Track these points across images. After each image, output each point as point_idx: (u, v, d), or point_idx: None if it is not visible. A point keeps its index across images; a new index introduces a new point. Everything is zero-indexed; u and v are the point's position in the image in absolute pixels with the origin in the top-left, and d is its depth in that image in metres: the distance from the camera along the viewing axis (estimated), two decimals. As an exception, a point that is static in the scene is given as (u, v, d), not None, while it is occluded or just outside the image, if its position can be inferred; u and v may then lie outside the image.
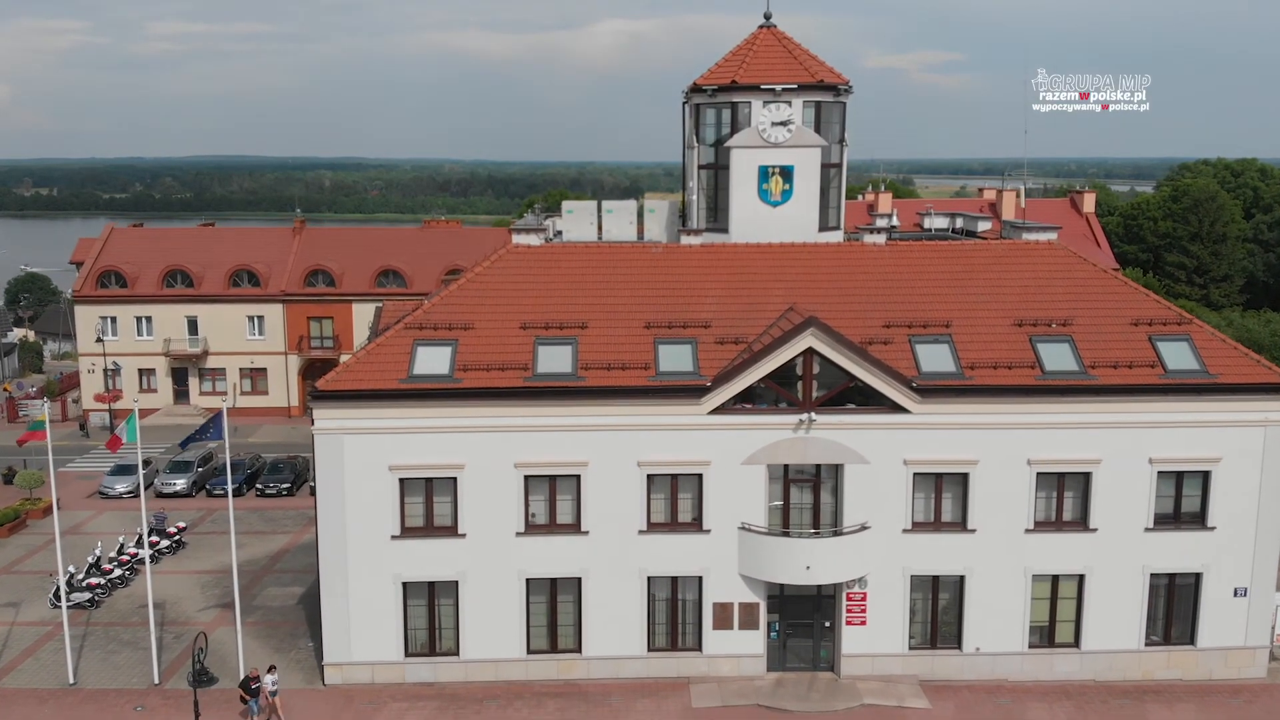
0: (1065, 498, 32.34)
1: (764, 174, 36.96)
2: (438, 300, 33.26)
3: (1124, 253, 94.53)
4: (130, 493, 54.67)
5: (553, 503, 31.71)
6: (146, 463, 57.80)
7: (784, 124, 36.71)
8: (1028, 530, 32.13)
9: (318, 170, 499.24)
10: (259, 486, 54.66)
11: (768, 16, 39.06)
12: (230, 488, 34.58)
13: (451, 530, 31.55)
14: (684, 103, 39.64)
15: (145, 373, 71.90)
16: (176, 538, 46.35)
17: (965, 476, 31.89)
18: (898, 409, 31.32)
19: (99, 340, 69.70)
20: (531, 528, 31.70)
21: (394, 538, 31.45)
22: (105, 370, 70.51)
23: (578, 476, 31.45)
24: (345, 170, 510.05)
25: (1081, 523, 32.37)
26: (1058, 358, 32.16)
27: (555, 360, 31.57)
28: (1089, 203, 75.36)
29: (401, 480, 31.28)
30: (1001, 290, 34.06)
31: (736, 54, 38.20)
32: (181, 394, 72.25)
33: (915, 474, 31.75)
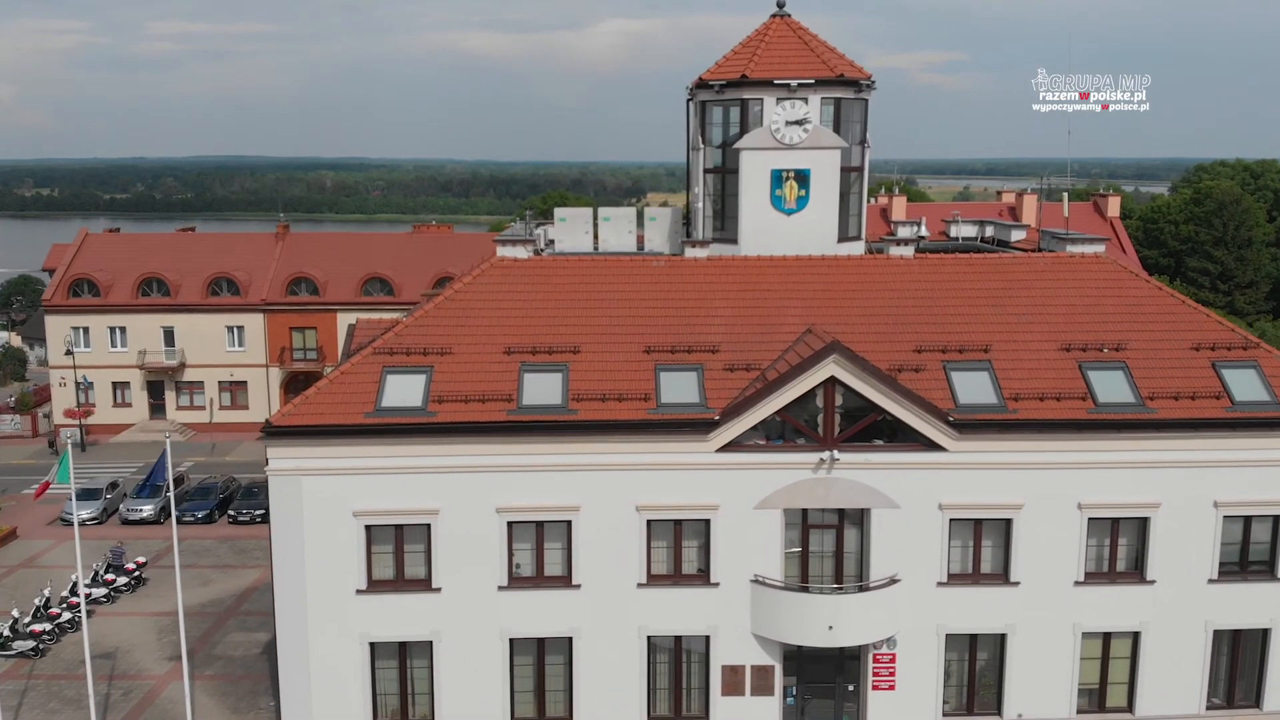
0: (1119, 546, 28.66)
1: (777, 179, 33.24)
2: (411, 321, 29.55)
3: (1143, 258, 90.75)
4: (95, 519, 51.01)
5: (540, 552, 27.99)
6: (114, 485, 54.28)
7: (799, 123, 32.97)
8: (1077, 582, 28.41)
9: (320, 170, 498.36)
10: (231, 513, 50.87)
11: (781, 4, 35.31)
12: (176, 531, 30.88)
13: (425, 584, 27.83)
14: (688, 100, 35.94)
15: (119, 386, 68.29)
16: (136, 574, 42.61)
17: (1008, 523, 28.17)
18: (932, 446, 27.60)
19: (68, 353, 66.03)
20: (515, 581, 27.98)
21: (360, 592, 27.74)
22: (76, 384, 66.85)
23: (568, 522, 27.73)
24: (348, 171, 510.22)
25: (1137, 574, 28.68)
26: (1112, 388, 28.43)
27: (543, 390, 27.87)
28: (1114, 207, 71.52)
29: (368, 527, 27.58)
30: (1046, 310, 30.34)
31: (747, 46, 34.47)
32: (157, 408, 68.61)
33: (951, 520, 28.03)
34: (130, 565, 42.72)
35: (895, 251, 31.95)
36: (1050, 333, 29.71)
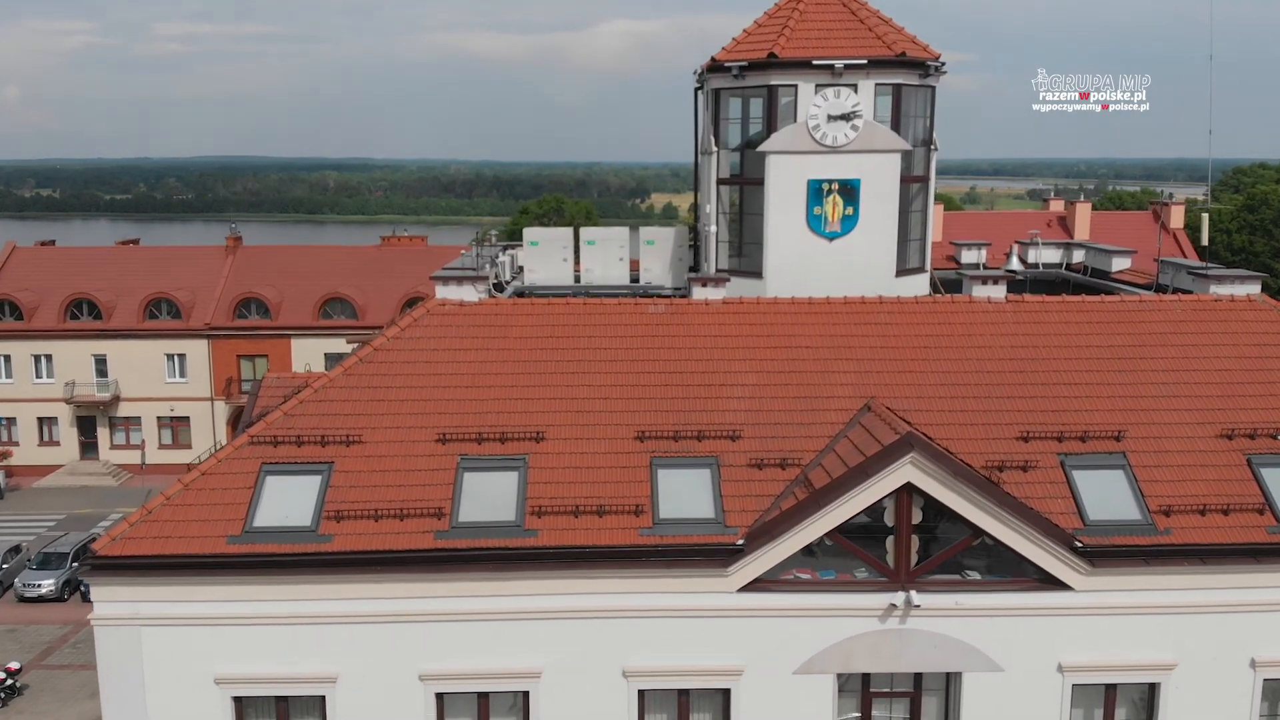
0: (1308, 715, 20.26)
1: (816, 192, 24.96)
2: (308, 394, 21.13)
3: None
4: (-14, 594, 42.76)
5: (485, 735, 19.58)
6: (15, 550, 45.97)
7: (846, 118, 24.66)
8: (1248, 768, 19.98)
9: (324, 171, 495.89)
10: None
11: (819, -38, 26.91)
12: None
13: (319, 780, 19.43)
14: (697, 89, 27.61)
15: (45, 422, 59.98)
16: (9, 683, 34.25)
17: (1153, 689, 19.73)
18: (1051, 583, 19.17)
19: (-20, 387, 57.81)
20: (450, 776, 19.55)
21: (227, 790, 19.35)
22: (-6, 419, 58.65)
23: (525, 694, 19.30)
24: (352, 171, 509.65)
25: (1330, 752, 20.26)
26: (1298, 493, 20.00)
27: (489, 499, 19.48)
28: (1177, 217, 63.02)
29: (237, 700, 19.18)
30: (1193, 377, 21.89)
31: (775, 16, 26.12)
32: (89, 447, 60.36)
33: (1075, 685, 19.57)
34: (-1, 673, 34.39)
35: (979, 292, 23.46)
36: (1203, 411, 21.26)
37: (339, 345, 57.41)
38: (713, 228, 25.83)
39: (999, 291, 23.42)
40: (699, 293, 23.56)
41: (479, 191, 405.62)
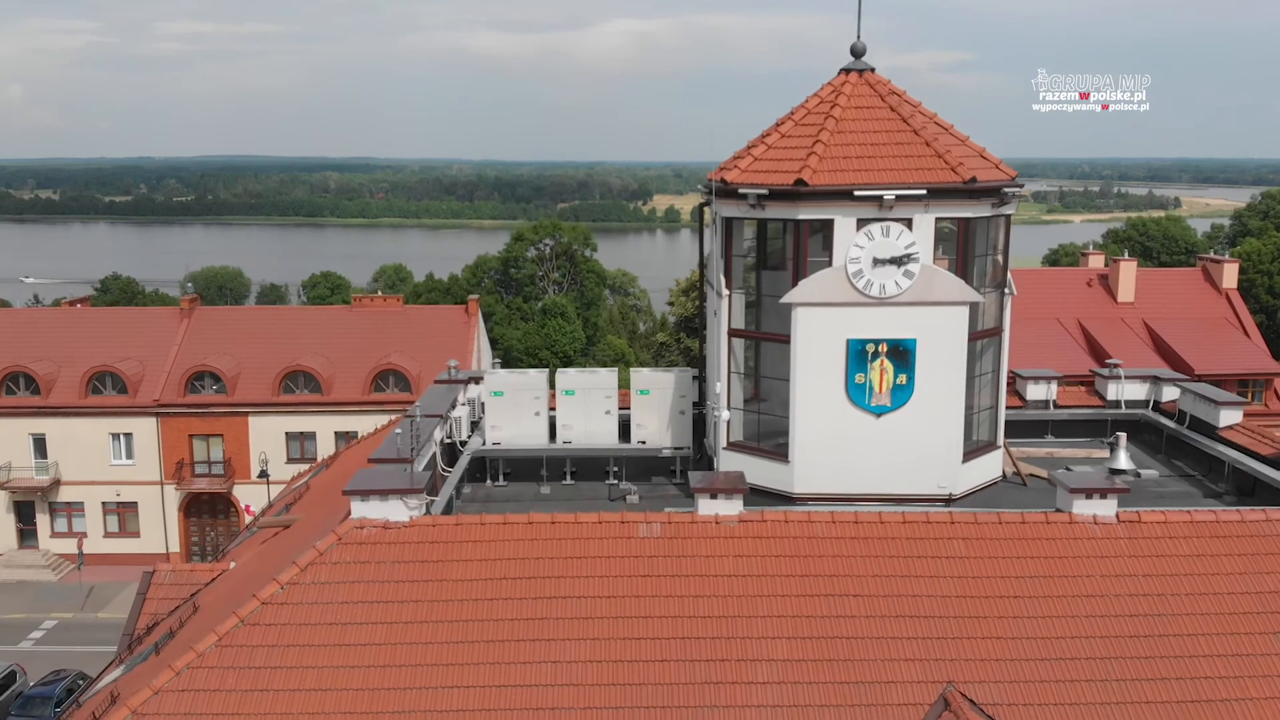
0: None
1: (859, 355, 19.17)
2: (167, 678, 15.25)
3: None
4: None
5: None
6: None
7: (898, 261, 18.85)
8: None
9: (326, 171, 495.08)
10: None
11: (858, 54, 21.11)
12: None
13: None
14: (702, 205, 21.82)
15: (-20, 508, 54.19)
16: None
17: None
18: None
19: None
20: None
21: None
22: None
23: None
24: (353, 171, 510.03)
25: None
26: None
27: None
28: (1229, 276, 57.00)
29: None
30: (1383, 644, 15.99)
31: (804, 123, 20.25)
32: (28, 535, 54.47)
33: None
34: None
35: (1082, 509, 17.53)
36: (1403, 699, 15.39)
37: (301, 423, 51.81)
38: (724, 414, 19.90)
39: (1108, 508, 17.50)
40: (706, 506, 17.69)
41: (480, 194, 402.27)
